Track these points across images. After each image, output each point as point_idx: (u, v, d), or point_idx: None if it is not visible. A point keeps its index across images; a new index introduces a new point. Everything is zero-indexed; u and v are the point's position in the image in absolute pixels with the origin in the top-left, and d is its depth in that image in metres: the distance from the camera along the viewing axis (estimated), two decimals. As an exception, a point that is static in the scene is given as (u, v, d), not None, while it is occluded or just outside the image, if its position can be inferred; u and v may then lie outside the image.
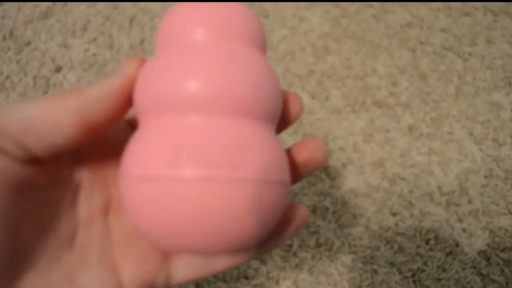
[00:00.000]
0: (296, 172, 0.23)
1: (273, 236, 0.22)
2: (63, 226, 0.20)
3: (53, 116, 0.18)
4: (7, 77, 0.51)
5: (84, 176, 0.22)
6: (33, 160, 0.19)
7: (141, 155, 0.18)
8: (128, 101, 0.20)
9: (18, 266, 0.18)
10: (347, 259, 0.45)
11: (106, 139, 0.23)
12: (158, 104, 0.18)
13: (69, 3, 0.56)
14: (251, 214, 0.17)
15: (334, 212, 0.47)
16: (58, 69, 0.52)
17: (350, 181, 0.48)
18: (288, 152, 0.23)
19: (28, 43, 0.54)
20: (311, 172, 0.23)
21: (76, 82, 0.52)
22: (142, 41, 0.55)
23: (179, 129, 0.18)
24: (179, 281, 0.22)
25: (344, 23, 0.58)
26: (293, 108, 0.22)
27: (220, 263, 0.22)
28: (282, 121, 0.22)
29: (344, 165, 0.49)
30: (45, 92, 0.51)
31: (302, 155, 0.23)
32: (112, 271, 0.21)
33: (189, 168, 0.17)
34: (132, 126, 0.24)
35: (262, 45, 0.21)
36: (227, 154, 0.17)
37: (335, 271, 0.44)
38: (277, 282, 0.44)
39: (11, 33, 0.54)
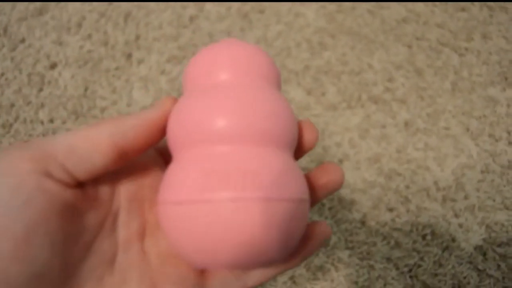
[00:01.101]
0: (315, 195, 0.25)
1: (298, 251, 0.24)
2: (105, 248, 0.22)
3: (92, 139, 0.21)
4: (2, 74, 0.51)
5: (122, 201, 0.23)
6: (75, 184, 0.21)
7: (176, 182, 0.21)
8: (160, 133, 0.23)
9: (67, 287, 0.20)
10: (343, 254, 0.45)
11: (140, 168, 0.25)
12: (190, 137, 0.21)
13: None
14: (275, 230, 0.20)
15: (330, 208, 0.47)
16: (53, 66, 0.52)
17: (347, 177, 0.48)
18: (307, 176, 0.25)
19: (23, 40, 0.53)
20: (329, 194, 0.25)
21: (71, 79, 0.51)
22: (137, 37, 0.55)
23: (209, 158, 0.20)
24: None
25: (339, 18, 0.58)
26: (308, 135, 0.24)
27: (251, 279, 0.24)
28: (299, 148, 0.25)
29: (340, 160, 0.49)
30: (40, 89, 0.51)
31: (322, 179, 0.25)
32: None
33: (219, 191, 0.19)
34: (163, 156, 0.26)
35: (278, 82, 0.24)
36: (252, 177, 0.19)
37: (331, 267, 0.44)
38: (274, 278, 0.43)
39: (5, 30, 0.54)
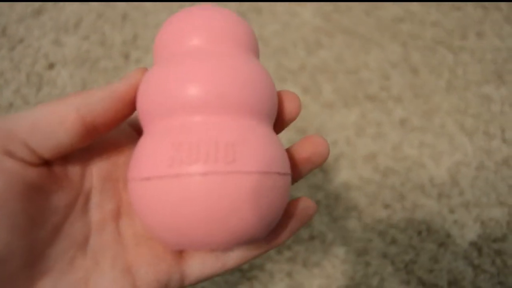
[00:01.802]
0: (297, 169, 0.23)
1: (280, 229, 0.23)
2: (76, 230, 0.21)
3: (56, 114, 0.19)
4: (1, 74, 0.51)
5: (95, 181, 0.22)
6: (41, 163, 0.19)
7: (144, 158, 0.19)
8: (130, 105, 0.21)
9: (33, 270, 0.19)
10: (340, 251, 0.45)
11: (113, 145, 0.23)
12: (160, 108, 0.19)
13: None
14: (251, 205, 0.18)
15: (327, 205, 0.47)
16: (51, 66, 0.53)
17: (343, 174, 0.49)
18: (289, 150, 0.23)
19: (21, 40, 0.54)
20: (314, 167, 0.24)
21: (69, 79, 0.52)
22: (135, 38, 0.55)
23: (180, 130, 0.19)
24: (193, 280, 0.23)
25: (335, 17, 0.58)
26: (290, 105, 0.23)
27: (231, 260, 0.23)
28: (280, 120, 0.23)
29: (337, 158, 0.49)
30: (39, 89, 0.51)
31: (306, 151, 0.23)
32: (126, 273, 0.21)
33: (188, 165, 0.18)
34: (138, 131, 0.25)
35: (254, 49, 0.22)
36: (224, 149, 0.18)
37: (328, 263, 0.45)
38: (271, 275, 0.44)
39: (4, 31, 0.54)
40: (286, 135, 0.50)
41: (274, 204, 0.19)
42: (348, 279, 0.44)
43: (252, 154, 0.18)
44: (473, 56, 0.56)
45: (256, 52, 0.23)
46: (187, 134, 0.18)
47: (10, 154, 0.18)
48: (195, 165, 0.18)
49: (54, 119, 0.19)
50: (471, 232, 0.46)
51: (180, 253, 0.23)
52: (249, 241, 0.20)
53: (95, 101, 0.20)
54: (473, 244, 0.46)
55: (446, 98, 0.53)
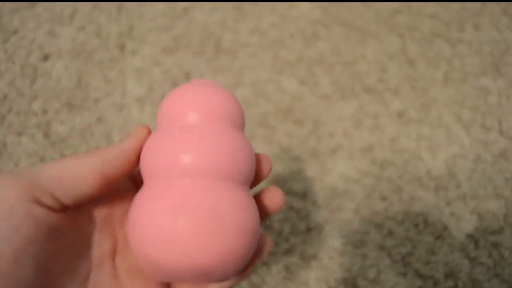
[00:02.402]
0: (264, 212, 0.29)
1: (249, 265, 0.27)
2: (80, 267, 0.23)
3: (80, 170, 0.23)
4: (-6, 66, 0.51)
5: (97, 222, 0.25)
6: (61, 209, 0.22)
7: (144, 215, 0.23)
8: (136, 160, 0.25)
9: None
10: (337, 243, 0.45)
11: (113, 192, 0.27)
12: (159, 170, 0.24)
13: (56, -9, 0.56)
14: (230, 257, 0.23)
15: (324, 198, 0.47)
16: (46, 58, 0.52)
17: (340, 166, 0.48)
18: (258, 196, 0.29)
19: (15, 32, 0.53)
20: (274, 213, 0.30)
21: (64, 71, 0.51)
22: (130, 29, 0.55)
23: (176, 192, 0.23)
24: None
25: (333, 9, 0.58)
26: (265, 167, 0.28)
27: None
28: (257, 178, 0.28)
29: (334, 150, 0.49)
30: (33, 81, 0.50)
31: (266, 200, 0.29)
32: None
33: (182, 226, 0.22)
34: (133, 180, 0.29)
35: (241, 123, 0.27)
36: (208, 211, 0.22)
37: (325, 256, 0.45)
38: (269, 267, 0.44)
39: (-3, 22, 0.54)
40: (283, 127, 0.50)
41: (247, 254, 0.24)
42: (345, 271, 0.44)
43: (230, 213, 0.23)
44: (470, 48, 0.56)
45: (242, 126, 0.27)
46: (180, 196, 0.23)
47: (38, 202, 0.21)
48: (189, 224, 0.22)
49: (78, 175, 0.23)
50: (468, 225, 0.46)
51: (168, 285, 0.27)
52: (227, 279, 0.25)
53: (111, 158, 0.24)
54: (470, 236, 0.46)
55: (444, 90, 0.53)
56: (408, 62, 0.55)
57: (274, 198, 0.29)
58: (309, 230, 0.46)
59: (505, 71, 0.55)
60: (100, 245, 0.25)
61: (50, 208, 0.21)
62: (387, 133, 0.50)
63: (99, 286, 0.24)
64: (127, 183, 0.29)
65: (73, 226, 0.23)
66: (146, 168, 0.25)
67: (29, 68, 0.51)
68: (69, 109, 0.49)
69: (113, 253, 0.26)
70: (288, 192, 0.47)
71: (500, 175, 0.49)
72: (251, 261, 0.27)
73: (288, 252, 0.45)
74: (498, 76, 0.54)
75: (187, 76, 0.52)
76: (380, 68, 0.54)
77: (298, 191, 0.47)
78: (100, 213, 0.26)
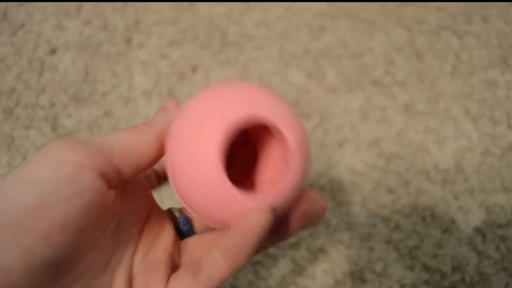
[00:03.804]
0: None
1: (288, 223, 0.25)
2: (108, 246, 0.23)
3: (144, 142, 0.23)
4: (2, 59, 0.51)
5: (129, 206, 0.25)
6: (119, 183, 0.22)
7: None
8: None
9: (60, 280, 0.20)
10: (344, 236, 0.45)
11: (137, 180, 0.26)
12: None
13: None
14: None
15: (331, 191, 0.47)
16: (53, 51, 0.52)
17: (347, 159, 0.48)
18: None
19: (22, 25, 0.53)
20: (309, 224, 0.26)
21: (71, 64, 0.51)
22: (137, 22, 0.55)
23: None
24: None
25: (339, 2, 0.58)
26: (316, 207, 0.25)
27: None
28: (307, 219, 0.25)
29: (341, 144, 0.49)
30: (41, 74, 0.51)
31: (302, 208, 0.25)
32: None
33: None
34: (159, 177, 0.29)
35: None
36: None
37: (332, 249, 0.45)
38: (275, 260, 0.44)
39: (4, 15, 0.54)
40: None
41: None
42: (352, 265, 0.44)
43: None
44: (478, 40, 0.56)
45: None
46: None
47: (103, 176, 0.20)
48: None
49: (142, 147, 0.22)
50: (476, 218, 0.46)
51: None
52: None
53: (161, 128, 0.24)
54: (477, 230, 0.46)
55: (451, 83, 0.53)
56: (416, 54, 0.54)
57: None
58: (315, 223, 0.46)
59: (514, 63, 0.54)
60: (127, 228, 0.24)
61: (111, 184, 0.21)
62: (394, 126, 0.50)
63: (116, 271, 0.23)
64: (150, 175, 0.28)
65: (116, 206, 0.23)
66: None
67: (36, 62, 0.51)
68: (76, 103, 0.49)
69: (138, 238, 0.25)
70: (295, 185, 0.47)
71: (508, 169, 0.48)
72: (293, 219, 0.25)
73: (295, 245, 0.45)
74: (506, 68, 0.54)
75: (194, 69, 0.52)
76: (387, 61, 0.54)
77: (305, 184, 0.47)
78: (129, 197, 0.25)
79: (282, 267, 0.44)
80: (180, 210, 0.28)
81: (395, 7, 0.58)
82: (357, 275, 0.44)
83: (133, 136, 0.23)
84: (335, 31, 0.56)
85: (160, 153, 0.24)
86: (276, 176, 0.24)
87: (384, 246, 0.45)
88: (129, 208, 0.24)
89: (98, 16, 0.55)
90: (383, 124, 0.50)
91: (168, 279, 0.24)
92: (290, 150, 0.21)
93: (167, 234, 0.26)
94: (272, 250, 0.44)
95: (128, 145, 0.22)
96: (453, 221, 0.46)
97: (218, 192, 0.21)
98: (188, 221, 0.27)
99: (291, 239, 0.45)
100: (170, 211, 0.28)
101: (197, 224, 0.28)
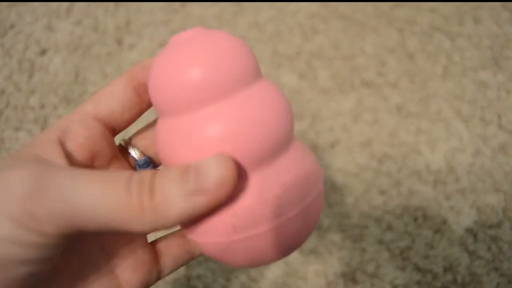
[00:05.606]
0: None
1: None
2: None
3: (116, 202, 0.17)
4: (-9, 60, 0.51)
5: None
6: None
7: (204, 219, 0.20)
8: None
9: None
10: (336, 237, 0.45)
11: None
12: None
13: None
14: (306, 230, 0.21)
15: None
16: (43, 52, 0.52)
17: (339, 160, 0.48)
18: None
19: (12, 26, 0.53)
20: None
21: (61, 65, 0.51)
22: (128, 23, 0.54)
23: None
24: (168, 272, 0.24)
25: (332, 3, 0.58)
26: None
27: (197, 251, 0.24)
28: None
29: (333, 145, 0.49)
30: (31, 76, 0.50)
31: None
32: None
33: (253, 228, 0.19)
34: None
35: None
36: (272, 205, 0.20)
37: (324, 250, 0.45)
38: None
39: (-6, 16, 0.53)
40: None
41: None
42: (344, 266, 0.44)
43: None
44: (470, 42, 0.56)
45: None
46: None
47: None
48: (258, 226, 0.19)
49: (113, 210, 0.17)
50: (467, 219, 0.46)
51: (156, 255, 0.24)
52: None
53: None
54: (468, 230, 0.46)
55: (443, 84, 0.53)
56: (408, 56, 0.55)
57: None
58: (308, 224, 0.45)
59: (505, 65, 0.55)
60: None
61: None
62: (386, 127, 0.50)
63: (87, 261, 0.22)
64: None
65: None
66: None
67: (27, 63, 0.51)
68: (67, 104, 0.49)
69: None
70: (287, 186, 0.47)
71: (499, 169, 0.49)
72: None
73: (287, 246, 0.44)
74: (497, 70, 0.54)
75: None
76: (379, 62, 0.54)
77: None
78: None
79: (274, 269, 0.44)
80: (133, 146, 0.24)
81: (388, 9, 0.58)
82: (349, 276, 0.44)
83: (101, 194, 0.17)
84: (327, 33, 0.56)
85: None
86: None
87: (376, 247, 0.45)
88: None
89: (89, 17, 0.54)
90: (375, 125, 0.50)
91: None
92: None
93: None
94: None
95: (95, 207, 0.16)
96: (444, 222, 0.46)
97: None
98: (150, 162, 0.24)
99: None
100: (121, 147, 0.24)
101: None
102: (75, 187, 0.16)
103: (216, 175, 0.17)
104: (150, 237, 0.24)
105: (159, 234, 0.24)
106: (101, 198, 0.17)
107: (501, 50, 0.56)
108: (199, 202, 0.17)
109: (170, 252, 0.24)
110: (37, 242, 0.16)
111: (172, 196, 0.17)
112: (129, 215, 0.17)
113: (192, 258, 0.25)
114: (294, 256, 0.44)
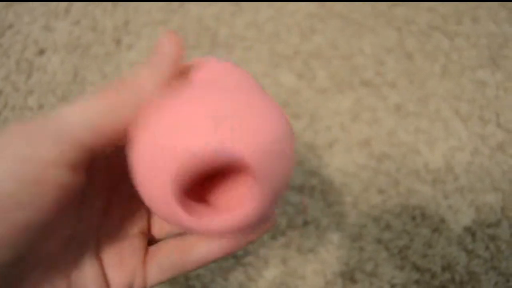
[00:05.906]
0: None
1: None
2: (68, 227, 0.22)
3: (121, 115, 0.19)
4: (-10, 60, 0.51)
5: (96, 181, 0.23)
6: (86, 162, 0.19)
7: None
8: None
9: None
10: (334, 237, 0.45)
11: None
12: None
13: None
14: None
15: (321, 191, 0.47)
16: (42, 52, 0.52)
17: (337, 160, 0.48)
18: None
19: (10, 26, 0.53)
20: None
21: (60, 65, 0.51)
22: (126, 23, 0.54)
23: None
24: (154, 282, 0.24)
25: (329, 3, 0.58)
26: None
27: (190, 263, 0.24)
28: None
29: (331, 144, 0.49)
30: (29, 76, 0.50)
31: None
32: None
33: None
34: None
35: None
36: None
37: (322, 249, 0.45)
38: (266, 261, 0.44)
39: (-8, 16, 0.53)
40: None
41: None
42: (343, 265, 0.44)
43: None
44: (468, 41, 0.56)
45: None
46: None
47: (72, 168, 0.18)
48: None
49: (120, 123, 0.19)
50: (466, 218, 0.46)
51: (144, 260, 0.24)
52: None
53: (146, 90, 0.21)
54: (467, 229, 0.46)
55: (441, 84, 0.53)
56: (406, 55, 0.55)
57: None
58: (306, 223, 0.45)
59: (503, 64, 0.55)
60: (90, 206, 0.23)
61: (78, 169, 0.18)
62: (384, 127, 0.50)
63: (80, 250, 0.22)
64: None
65: (82, 185, 0.20)
66: None
67: (25, 63, 0.51)
68: (65, 104, 0.49)
69: (104, 214, 0.23)
70: (285, 186, 0.47)
71: (497, 168, 0.49)
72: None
73: (285, 245, 0.44)
74: (496, 69, 0.54)
75: (184, 70, 0.52)
76: (377, 62, 0.54)
77: (295, 185, 0.47)
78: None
79: (272, 268, 0.44)
80: None
81: (386, 8, 0.58)
82: (348, 275, 0.44)
83: (107, 108, 0.19)
84: (326, 32, 0.56)
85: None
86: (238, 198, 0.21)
87: (374, 246, 0.45)
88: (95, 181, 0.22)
89: (87, 17, 0.54)
90: (373, 125, 0.50)
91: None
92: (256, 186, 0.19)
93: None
94: (262, 251, 0.44)
95: (102, 123, 0.18)
96: (443, 221, 0.46)
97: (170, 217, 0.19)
98: None
99: (281, 240, 0.44)
100: None
101: None
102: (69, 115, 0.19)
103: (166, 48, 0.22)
104: (141, 244, 0.24)
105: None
106: (88, 112, 0.19)
107: (499, 49, 0.56)
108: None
109: (157, 260, 0.24)
110: (71, 163, 0.18)
111: (140, 74, 0.21)
112: (111, 108, 0.19)
113: (180, 272, 0.24)
114: (292, 255, 0.44)
